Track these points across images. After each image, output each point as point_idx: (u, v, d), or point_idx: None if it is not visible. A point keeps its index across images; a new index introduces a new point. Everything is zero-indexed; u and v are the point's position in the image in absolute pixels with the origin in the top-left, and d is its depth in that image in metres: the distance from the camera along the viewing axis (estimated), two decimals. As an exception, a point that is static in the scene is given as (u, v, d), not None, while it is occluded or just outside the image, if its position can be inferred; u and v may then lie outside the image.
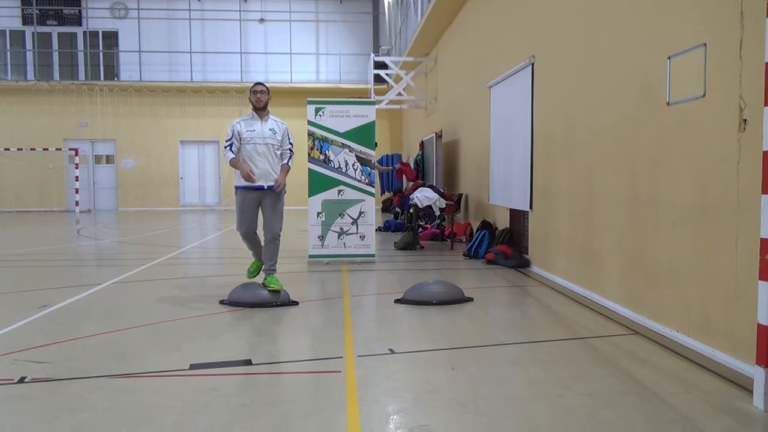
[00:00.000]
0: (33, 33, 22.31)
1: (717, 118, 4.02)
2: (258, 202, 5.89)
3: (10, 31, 22.51)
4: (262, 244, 6.04)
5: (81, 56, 22.76)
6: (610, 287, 5.66)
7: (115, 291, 6.67)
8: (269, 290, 5.79)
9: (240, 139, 5.82)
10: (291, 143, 6.05)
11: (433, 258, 9.38)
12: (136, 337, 4.74)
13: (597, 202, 5.97)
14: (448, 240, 10.74)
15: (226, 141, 5.85)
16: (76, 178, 20.40)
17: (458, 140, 12.86)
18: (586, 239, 6.24)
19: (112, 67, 22.91)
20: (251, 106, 5.93)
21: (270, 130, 5.87)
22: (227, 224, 14.91)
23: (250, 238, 6.00)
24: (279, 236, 5.95)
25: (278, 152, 5.92)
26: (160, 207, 22.36)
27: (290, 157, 6.02)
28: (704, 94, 4.17)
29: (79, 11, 22.57)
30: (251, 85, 6.01)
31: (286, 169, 5.96)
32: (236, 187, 5.90)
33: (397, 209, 14.30)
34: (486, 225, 9.52)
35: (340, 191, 8.49)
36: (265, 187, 5.83)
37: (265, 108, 5.91)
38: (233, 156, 5.78)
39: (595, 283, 6.00)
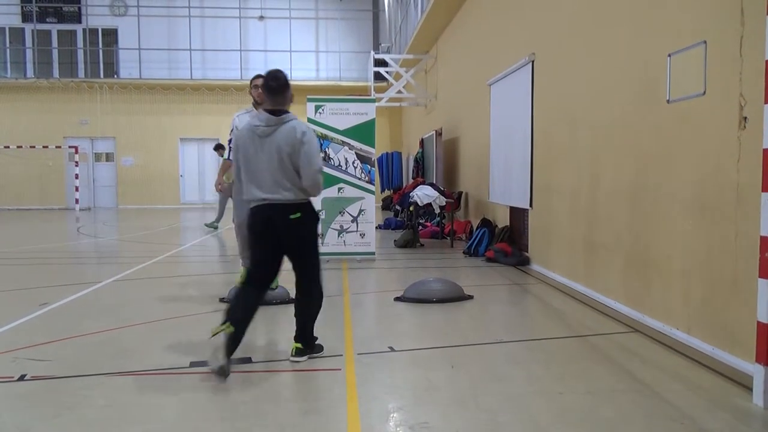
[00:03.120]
0: (33, 30, 22.28)
1: (717, 116, 4.02)
2: None
3: (9, 28, 22.47)
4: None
5: (81, 54, 22.73)
6: (610, 285, 5.66)
7: (115, 289, 6.67)
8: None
9: None
10: None
11: (433, 256, 9.38)
12: (137, 334, 4.74)
13: (597, 200, 5.97)
14: (448, 238, 10.74)
15: (229, 135, 5.95)
16: (76, 176, 20.40)
17: (458, 138, 12.85)
18: (585, 237, 6.24)
19: (111, 64, 22.88)
20: (252, 100, 5.81)
21: None
22: (227, 222, 14.89)
23: (244, 230, 5.76)
24: None
25: None
26: (160, 205, 22.34)
27: None
28: (704, 92, 4.16)
29: (79, 8, 22.53)
30: (252, 79, 5.90)
31: None
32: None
33: (397, 207, 14.29)
34: (486, 223, 9.52)
35: (340, 189, 8.49)
36: None
37: None
38: (226, 157, 6.10)
39: (595, 280, 6.00)
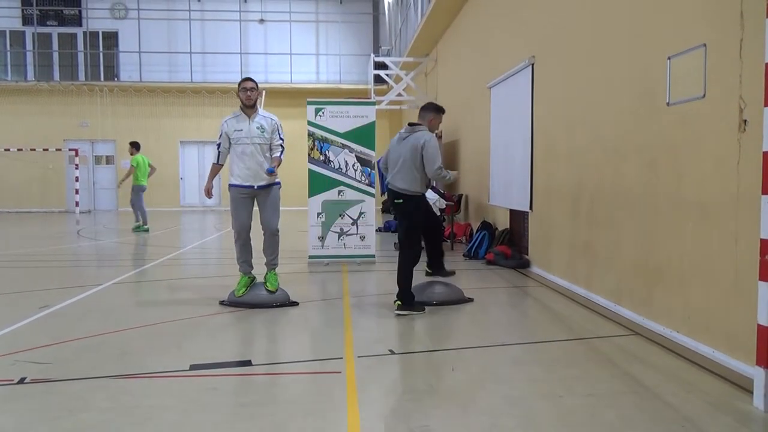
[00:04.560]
0: (33, 33, 22.31)
1: (717, 119, 4.02)
2: (252, 201, 5.84)
3: (10, 31, 22.51)
4: (252, 259, 5.95)
5: (81, 56, 22.75)
6: (610, 288, 5.66)
7: (115, 291, 6.67)
8: (266, 288, 5.82)
9: (229, 140, 5.79)
10: (282, 138, 5.88)
11: (433, 258, 9.36)
12: (136, 337, 4.74)
13: (597, 203, 5.97)
14: (448, 241, 10.74)
15: (217, 139, 5.87)
16: (76, 179, 20.38)
17: (458, 140, 12.86)
18: (586, 240, 6.24)
19: (112, 67, 22.91)
20: (240, 103, 5.79)
21: (258, 128, 5.73)
22: (227, 225, 14.90)
23: (243, 237, 5.83)
24: (277, 231, 5.92)
25: (268, 150, 5.79)
26: (159, 207, 22.30)
27: (281, 152, 5.85)
28: (704, 95, 4.17)
29: (79, 12, 22.57)
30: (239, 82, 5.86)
31: (278, 160, 5.79)
32: (229, 185, 5.84)
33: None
34: (486, 225, 9.52)
35: (340, 192, 8.49)
36: (255, 187, 5.75)
37: (254, 106, 5.78)
38: (215, 161, 5.95)
39: (595, 283, 6.00)
